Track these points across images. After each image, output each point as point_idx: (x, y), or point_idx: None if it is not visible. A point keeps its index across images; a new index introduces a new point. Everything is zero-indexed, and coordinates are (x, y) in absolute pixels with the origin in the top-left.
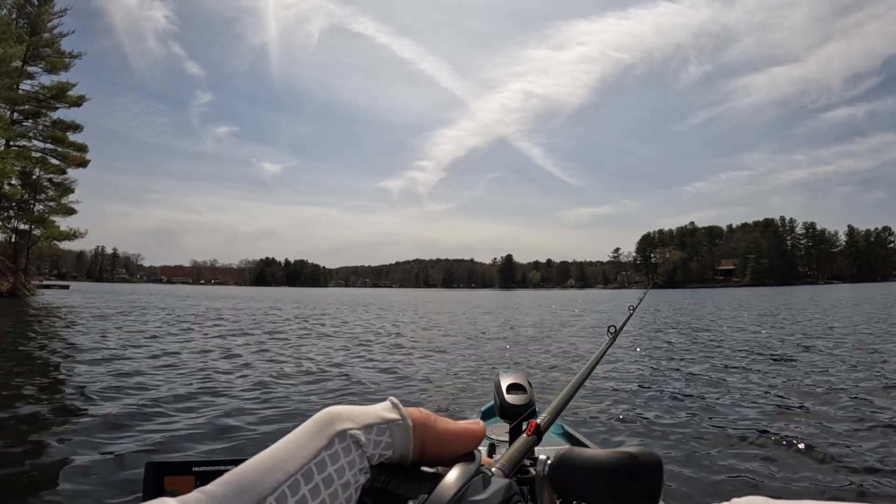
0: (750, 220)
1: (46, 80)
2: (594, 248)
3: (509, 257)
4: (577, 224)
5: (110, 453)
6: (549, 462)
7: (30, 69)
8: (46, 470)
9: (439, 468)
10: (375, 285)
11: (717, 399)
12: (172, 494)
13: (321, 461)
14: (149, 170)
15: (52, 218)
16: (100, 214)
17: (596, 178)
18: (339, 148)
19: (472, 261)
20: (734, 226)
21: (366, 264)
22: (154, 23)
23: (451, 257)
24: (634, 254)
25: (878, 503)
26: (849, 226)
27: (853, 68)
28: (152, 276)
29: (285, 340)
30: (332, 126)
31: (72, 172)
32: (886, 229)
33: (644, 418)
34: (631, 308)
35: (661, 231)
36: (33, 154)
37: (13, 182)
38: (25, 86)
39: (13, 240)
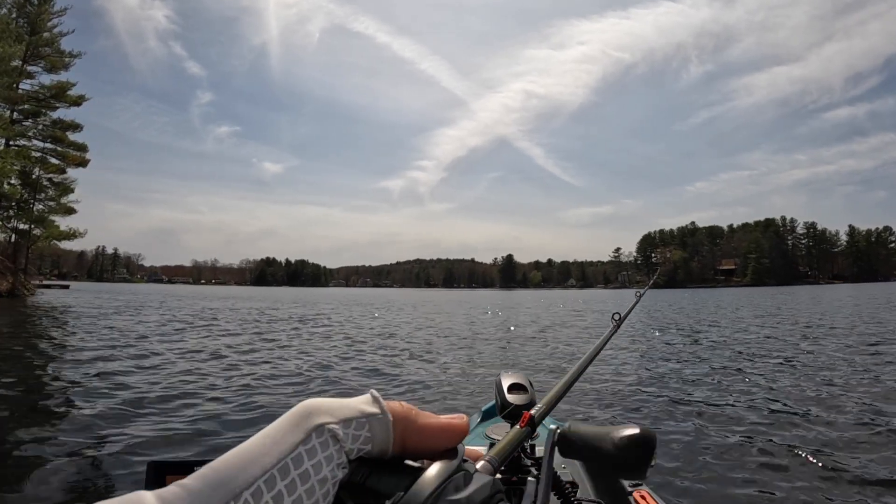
0: (751, 220)
1: (46, 79)
2: (595, 248)
3: (510, 257)
4: (577, 224)
5: (89, 454)
6: (558, 430)
7: (29, 68)
8: (23, 469)
9: (422, 462)
10: (376, 285)
11: (718, 400)
12: None
13: (298, 456)
14: (150, 170)
15: (52, 217)
16: (101, 214)
17: (597, 178)
18: (340, 148)
19: (472, 261)
20: (735, 226)
21: (366, 264)
22: (155, 22)
23: (451, 257)
24: (635, 254)
25: None
26: (850, 226)
27: (854, 68)
28: (153, 276)
29: (276, 340)
30: (332, 126)
31: (72, 172)
32: (887, 229)
33: (647, 419)
34: (638, 294)
35: (661, 231)
36: (33, 153)
37: (13, 181)
38: (25, 85)
39: (13, 239)
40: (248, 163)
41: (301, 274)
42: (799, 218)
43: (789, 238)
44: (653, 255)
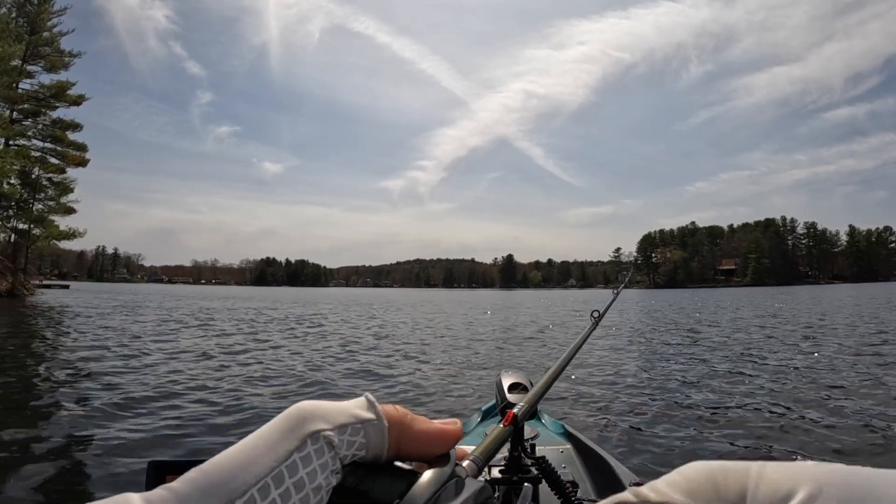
0: (751, 220)
1: (46, 78)
2: (595, 248)
3: (510, 257)
4: (577, 224)
5: (77, 454)
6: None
7: (29, 68)
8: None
9: (413, 464)
10: (376, 285)
11: (718, 403)
12: None
13: (293, 464)
14: (150, 170)
15: (52, 217)
16: (101, 214)
17: (597, 178)
18: (340, 148)
19: (472, 261)
20: (735, 226)
21: (367, 264)
22: (155, 22)
23: (451, 257)
24: (635, 254)
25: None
26: (850, 225)
27: (854, 68)
28: (153, 276)
29: (269, 341)
30: (332, 126)
31: (71, 172)
32: (888, 229)
33: (641, 421)
34: (615, 291)
35: (662, 231)
36: (33, 153)
37: (12, 181)
38: (25, 85)
39: (12, 239)
40: (248, 163)
41: (301, 274)
42: (799, 218)
43: (789, 238)
44: (653, 255)
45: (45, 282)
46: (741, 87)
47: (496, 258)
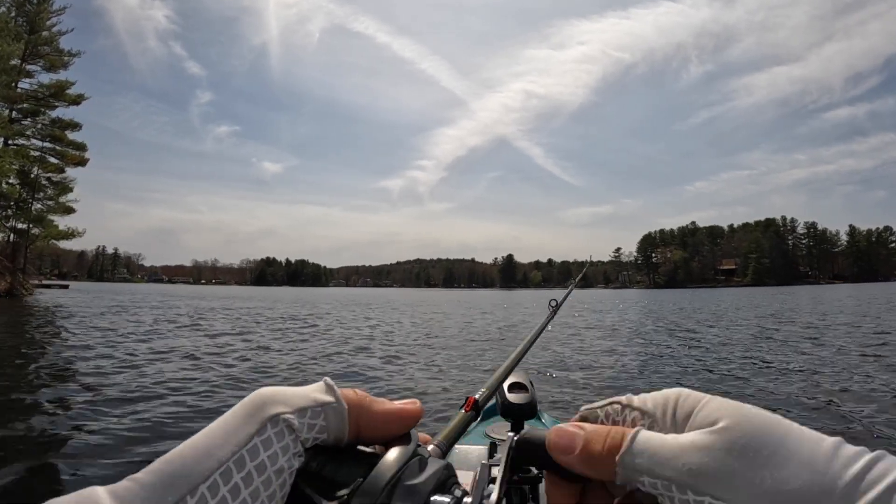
0: (751, 220)
1: (45, 78)
2: (595, 248)
3: (510, 257)
4: (577, 224)
5: (50, 453)
6: (515, 438)
7: (29, 67)
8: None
9: (376, 447)
10: (376, 285)
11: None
12: None
13: (253, 447)
14: (150, 169)
15: (51, 217)
16: (100, 214)
17: (596, 178)
18: (340, 147)
19: (472, 260)
20: (735, 225)
21: (367, 264)
22: (155, 22)
23: (451, 257)
24: (636, 253)
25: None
26: (850, 225)
27: (854, 67)
28: (153, 276)
29: (259, 341)
30: (332, 126)
31: (70, 171)
32: (888, 229)
33: None
34: (572, 281)
35: (662, 231)
36: (32, 152)
37: (11, 181)
38: (24, 84)
39: (11, 239)
40: (247, 162)
41: (301, 274)
42: (799, 218)
43: (789, 238)
44: (653, 254)
45: (45, 282)
46: (741, 87)
47: (496, 258)
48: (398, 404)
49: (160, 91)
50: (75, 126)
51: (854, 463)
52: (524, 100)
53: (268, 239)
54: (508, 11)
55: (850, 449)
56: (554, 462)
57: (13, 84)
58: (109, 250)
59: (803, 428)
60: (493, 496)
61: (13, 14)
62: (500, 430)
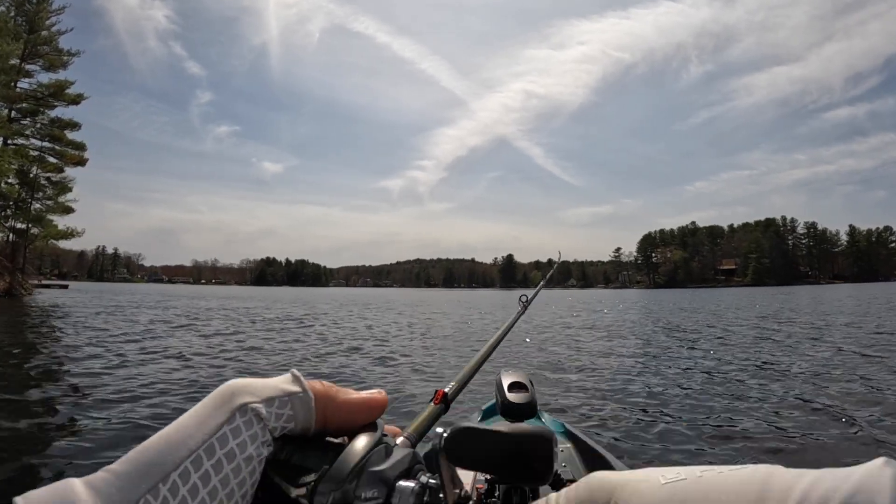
0: (751, 220)
1: (44, 77)
2: (595, 248)
3: (510, 257)
4: (577, 224)
5: (30, 452)
6: (444, 435)
7: (28, 67)
8: None
9: (344, 438)
10: (376, 285)
11: (717, 400)
12: None
13: (223, 436)
14: (149, 169)
15: (50, 217)
16: (100, 214)
17: (596, 178)
18: (340, 147)
19: (472, 260)
20: (735, 225)
21: (367, 264)
22: (155, 22)
23: (451, 257)
24: (635, 253)
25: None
26: (850, 225)
27: (854, 67)
28: (153, 276)
29: (249, 342)
30: (332, 126)
31: (70, 171)
32: (888, 229)
33: (642, 421)
34: (543, 279)
35: (662, 231)
36: (31, 152)
37: (10, 180)
38: (23, 84)
39: (10, 239)
40: (247, 162)
41: (301, 274)
42: (799, 218)
43: (789, 238)
44: (653, 254)
45: (45, 282)
46: (741, 87)
47: (496, 258)
48: (364, 394)
49: (160, 91)
50: (74, 126)
51: (788, 497)
52: (524, 100)
53: (268, 239)
54: (508, 11)
55: (781, 478)
56: (489, 462)
57: (12, 83)
58: (109, 250)
59: (728, 474)
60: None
61: (12, 13)
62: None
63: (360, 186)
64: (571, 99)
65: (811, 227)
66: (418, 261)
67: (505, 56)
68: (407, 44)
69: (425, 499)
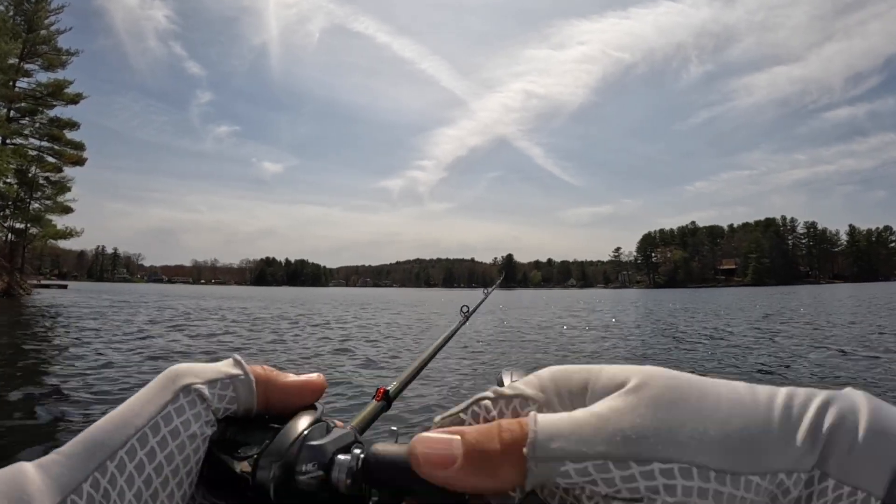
0: (751, 220)
1: (43, 77)
2: (595, 248)
3: (510, 257)
4: (577, 223)
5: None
6: (361, 456)
7: (27, 66)
8: None
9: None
10: (376, 285)
11: None
12: None
13: (167, 415)
14: (149, 169)
15: (49, 216)
16: (100, 213)
17: (596, 178)
18: (340, 147)
19: (472, 260)
20: (735, 225)
21: (366, 264)
22: (155, 22)
23: (451, 257)
24: (635, 253)
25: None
26: (850, 225)
27: (854, 67)
28: (153, 276)
29: (233, 342)
30: (332, 126)
31: (68, 170)
32: (888, 229)
33: None
34: (485, 292)
35: (661, 231)
36: (30, 152)
37: (9, 180)
38: (22, 83)
39: (9, 238)
40: (247, 162)
41: (301, 274)
42: (799, 217)
43: (789, 238)
44: (653, 254)
45: (44, 282)
46: (741, 87)
47: (496, 258)
48: (303, 377)
49: (160, 91)
50: (73, 125)
51: (775, 397)
52: (524, 100)
53: (267, 239)
54: (508, 11)
55: (762, 386)
56: (420, 482)
57: (11, 83)
58: (109, 250)
59: (703, 376)
60: None
61: (11, 13)
62: None
63: (360, 186)
64: (571, 99)
65: (811, 226)
66: (418, 261)
67: (505, 56)
68: (407, 44)
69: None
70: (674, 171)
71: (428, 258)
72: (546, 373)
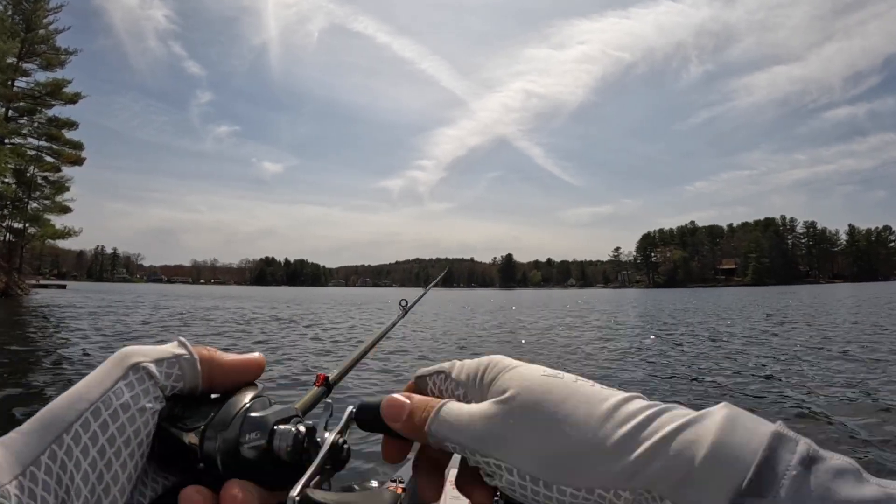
0: (751, 220)
1: (42, 76)
2: (594, 248)
3: (509, 257)
4: (577, 223)
5: None
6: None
7: (25, 65)
8: None
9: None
10: (376, 285)
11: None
12: None
13: (118, 390)
14: (149, 169)
15: (47, 216)
16: (99, 213)
17: (596, 178)
18: (340, 147)
19: (472, 260)
20: (735, 225)
21: (366, 264)
22: (154, 22)
23: (451, 256)
24: (635, 253)
25: None
26: (850, 225)
27: (854, 67)
28: (153, 276)
29: (221, 342)
30: (332, 126)
31: (67, 170)
32: (887, 228)
33: None
34: (425, 285)
35: (661, 230)
36: (28, 151)
37: (7, 180)
38: (21, 82)
39: (7, 238)
40: (247, 162)
41: (301, 274)
42: (799, 217)
43: (789, 238)
44: (653, 254)
45: (42, 282)
46: (741, 87)
47: (495, 258)
48: (244, 356)
49: (160, 91)
50: (72, 125)
51: (633, 418)
52: (524, 100)
53: (267, 239)
54: (508, 11)
55: (636, 404)
56: (387, 427)
57: (9, 82)
58: (108, 250)
59: (596, 389)
60: (322, 450)
61: (9, 11)
62: None
63: (360, 186)
64: (571, 99)
65: (811, 226)
66: (418, 260)
67: (505, 56)
68: (407, 44)
69: (305, 445)
70: (674, 171)
71: (428, 258)
72: (482, 361)
